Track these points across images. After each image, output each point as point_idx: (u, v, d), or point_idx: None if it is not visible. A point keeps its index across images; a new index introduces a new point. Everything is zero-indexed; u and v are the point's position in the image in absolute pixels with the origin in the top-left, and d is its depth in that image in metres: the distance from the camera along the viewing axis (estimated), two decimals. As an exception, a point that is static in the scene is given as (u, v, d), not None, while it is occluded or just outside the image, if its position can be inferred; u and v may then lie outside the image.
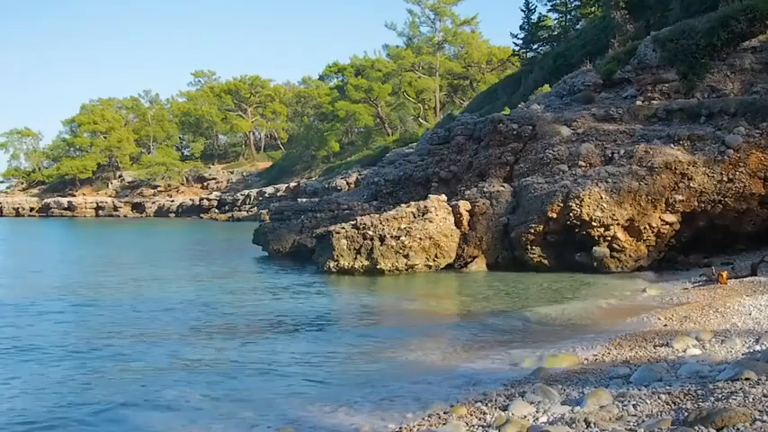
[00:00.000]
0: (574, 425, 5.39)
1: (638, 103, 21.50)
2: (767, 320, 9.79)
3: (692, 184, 17.23)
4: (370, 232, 18.45)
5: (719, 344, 8.40)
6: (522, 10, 47.11)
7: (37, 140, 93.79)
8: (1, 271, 22.63)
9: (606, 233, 17.19)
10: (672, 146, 18.19)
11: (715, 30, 21.52)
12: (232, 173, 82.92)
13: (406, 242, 18.31)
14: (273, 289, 16.49)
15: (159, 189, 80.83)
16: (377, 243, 18.34)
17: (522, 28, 48.10)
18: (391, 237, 18.34)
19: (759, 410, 4.98)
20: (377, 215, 19.42)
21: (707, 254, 17.87)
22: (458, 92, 72.72)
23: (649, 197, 17.14)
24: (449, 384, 7.76)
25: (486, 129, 22.34)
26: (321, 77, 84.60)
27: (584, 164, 18.92)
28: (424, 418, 6.45)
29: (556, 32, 47.62)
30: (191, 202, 75.17)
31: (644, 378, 6.80)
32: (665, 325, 10.30)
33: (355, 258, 18.42)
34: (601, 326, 10.88)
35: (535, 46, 48.35)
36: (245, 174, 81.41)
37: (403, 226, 18.54)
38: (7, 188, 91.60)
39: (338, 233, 18.68)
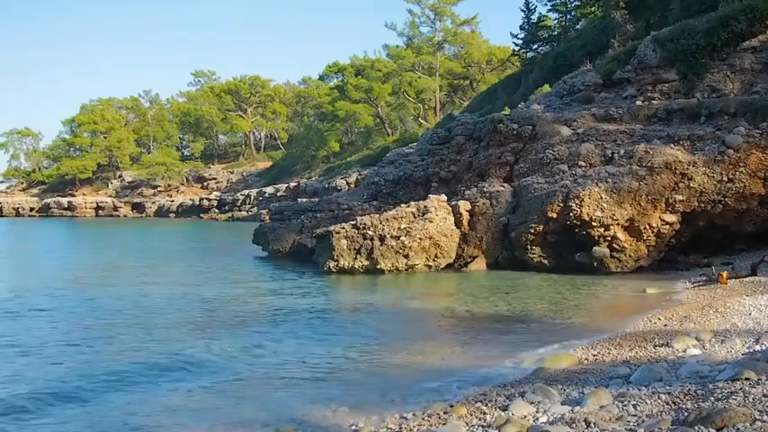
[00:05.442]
0: (574, 425, 5.39)
1: (638, 103, 21.49)
2: (767, 320, 9.79)
3: (692, 184, 17.23)
4: (370, 232, 18.46)
5: (719, 344, 8.39)
6: (522, 10, 47.17)
7: (37, 140, 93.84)
8: (2, 271, 22.62)
9: (606, 233, 17.18)
10: (672, 146, 18.19)
11: (715, 30, 21.52)
12: (232, 173, 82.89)
13: (406, 242, 18.31)
14: (273, 289, 16.48)
15: (159, 189, 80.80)
16: (377, 243, 18.34)
17: (522, 28, 48.15)
18: (391, 237, 18.34)
19: (759, 410, 4.98)
20: (377, 215, 19.42)
21: (707, 254, 17.86)
22: (458, 92, 72.66)
23: (649, 197, 17.14)
24: (449, 384, 7.77)
25: (486, 129, 22.36)
26: (321, 77, 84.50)
27: (584, 164, 18.93)
28: (423, 418, 6.45)
29: (556, 32, 47.65)
30: (191, 202, 75.11)
31: (644, 378, 6.80)
32: (665, 325, 10.30)
33: (355, 258, 18.43)
34: (601, 326, 10.88)
35: (535, 46, 48.37)
36: (245, 174, 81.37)
37: (403, 226, 18.54)
38: (7, 188, 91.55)
39: (338, 233, 18.68)
